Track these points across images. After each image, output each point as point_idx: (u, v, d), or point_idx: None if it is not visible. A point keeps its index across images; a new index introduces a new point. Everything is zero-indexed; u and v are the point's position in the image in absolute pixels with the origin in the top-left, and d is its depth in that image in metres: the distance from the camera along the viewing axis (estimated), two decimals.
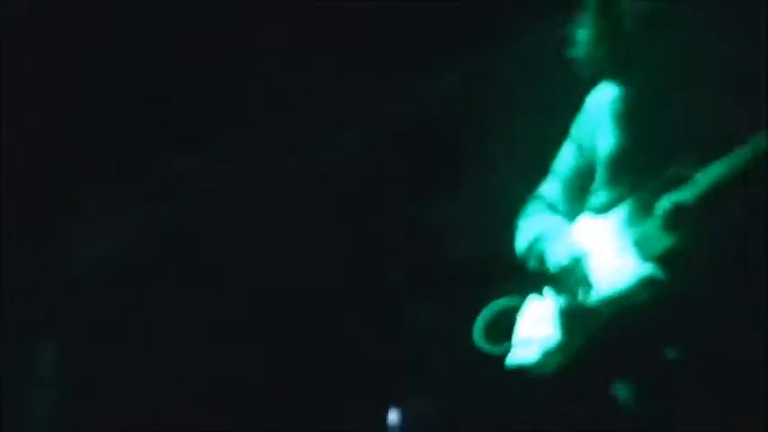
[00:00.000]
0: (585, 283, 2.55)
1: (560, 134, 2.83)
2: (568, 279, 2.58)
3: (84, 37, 3.88)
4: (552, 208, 2.81)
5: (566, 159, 2.77)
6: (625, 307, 2.51)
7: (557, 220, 2.71)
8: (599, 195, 2.67)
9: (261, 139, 3.76)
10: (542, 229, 2.72)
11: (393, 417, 3.53)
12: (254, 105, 3.88)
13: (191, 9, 3.87)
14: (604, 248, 2.58)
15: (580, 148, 2.74)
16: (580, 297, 2.56)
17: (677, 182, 2.49)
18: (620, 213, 2.58)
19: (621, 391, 2.53)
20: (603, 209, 2.64)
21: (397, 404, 3.52)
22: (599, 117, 2.70)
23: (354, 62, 3.80)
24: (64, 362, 3.85)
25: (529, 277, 2.74)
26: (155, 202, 3.86)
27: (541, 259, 2.65)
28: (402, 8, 3.69)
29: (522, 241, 2.73)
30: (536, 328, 2.68)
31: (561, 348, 2.59)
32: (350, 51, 3.82)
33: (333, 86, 3.78)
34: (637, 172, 2.58)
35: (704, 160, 2.41)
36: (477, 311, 2.68)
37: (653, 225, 2.50)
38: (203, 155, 3.83)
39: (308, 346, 3.83)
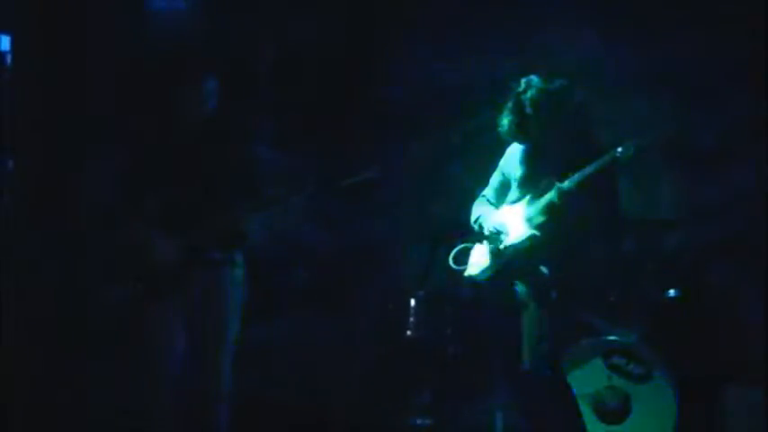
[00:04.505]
0: (502, 237, 4.31)
1: (494, 166, 4.48)
2: (494, 235, 4.35)
3: None
4: (489, 202, 4.47)
5: (496, 178, 4.48)
6: (519, 249, 4.27)
7: (491, 207, 4.48)
8: (511, 196, 4.34)
9: None
10: (483, 211, 4.47)
11: None
12: None
13: None
14: (513, 221, 4.26)
15: (502, 173, 4.44)
16: (499, 244, 4.35)
17: (547, 188, 4.12)
18: (520, 205, 4.26)
19: (519, 287, 4.26)
20: (512, 202, 4.32)
21: None
22: (512, 158, 4.38)
23: None
24: None
25: (476, 234, 4.48)
26: None
27: (481, 225, 4.44)
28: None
29: (473, 217, 4.50)
30: (478, 258, 4.46)
31: (489, 268, 4.38)
32: None
33: None
34: (529, 184, 4.24)
35: (560, 179, 4.09)
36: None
37: (535, 210, 4.20)
38: None
39: None
